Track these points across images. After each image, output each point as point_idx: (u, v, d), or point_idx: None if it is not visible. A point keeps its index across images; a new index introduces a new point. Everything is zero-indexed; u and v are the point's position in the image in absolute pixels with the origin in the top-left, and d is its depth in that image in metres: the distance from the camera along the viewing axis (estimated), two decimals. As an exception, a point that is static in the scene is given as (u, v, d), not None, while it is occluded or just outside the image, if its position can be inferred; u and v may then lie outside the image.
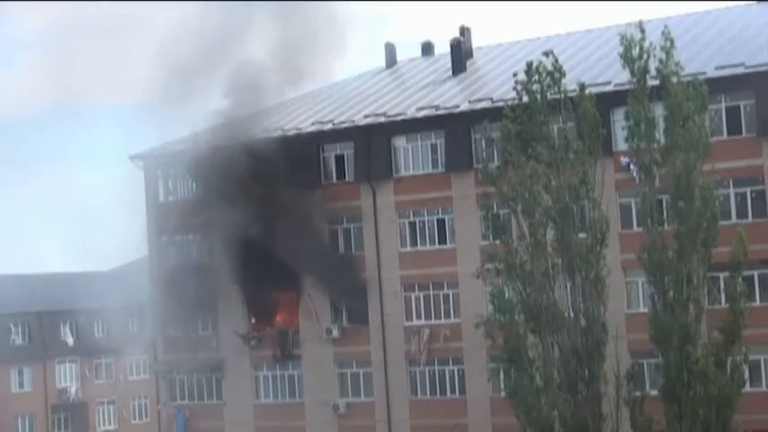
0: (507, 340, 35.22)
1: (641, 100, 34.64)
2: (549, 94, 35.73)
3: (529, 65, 35.84)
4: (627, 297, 42.93)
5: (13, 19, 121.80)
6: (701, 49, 45.06)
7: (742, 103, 41.83)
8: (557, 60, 35.75)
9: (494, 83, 48.89)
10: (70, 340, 76.76)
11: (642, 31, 34.73)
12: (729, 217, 40.69)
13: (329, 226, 48.29)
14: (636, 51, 34.84)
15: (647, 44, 34.81)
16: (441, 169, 46.75)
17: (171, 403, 52.25)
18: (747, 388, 36.18)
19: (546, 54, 35.95)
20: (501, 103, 42.50)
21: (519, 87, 36.02)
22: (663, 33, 34.78)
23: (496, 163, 39.00)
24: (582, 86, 35.87)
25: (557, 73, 35.59)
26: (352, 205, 48.09)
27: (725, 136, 41.66)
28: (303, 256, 46.57)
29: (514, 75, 36.41)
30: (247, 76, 47.55)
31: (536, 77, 35.68)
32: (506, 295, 35.66)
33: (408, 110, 48.53)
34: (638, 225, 38.55)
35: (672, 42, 34.85)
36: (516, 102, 36.39)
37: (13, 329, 75.01)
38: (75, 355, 77.00)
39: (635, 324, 40.33)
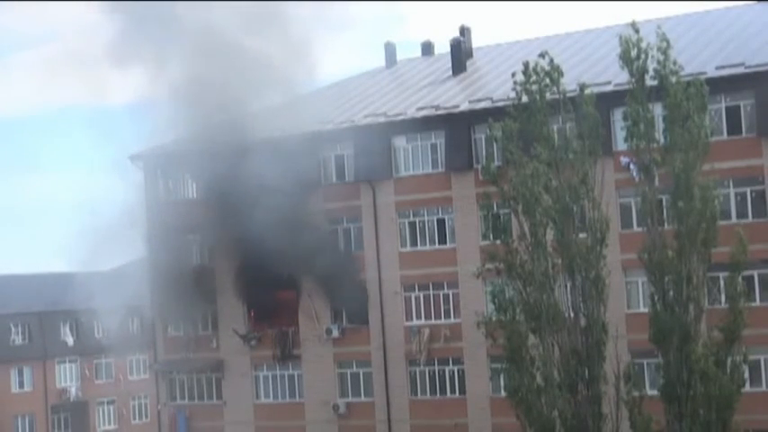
0: (508, 340, 35.21)
1: (640, 100, 34.62)
2: (548, 94, 35.73)
3: (526, 65, 35.86)
4: (627, 297, 42.95)
5: (14, 19, 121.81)
6: (700, 49, 45.06)
7: (742, 103, 41.84)
8: (552, 61, 35.76)
9: (494, 83, 48.90)
10: (70, 340, 76.77)
11: (637, 31, 34.72)
12: (729, 217, 40.71)
13: (329, 226, 48.30)
14: (634, 52, 34.83)
15: (645, 44, 34.79)
16: (441, 169, 46.75)
17: (171, 403, 52.27)
18: (747, 388, 36.15)
19: (542, 55, 35.95)
20: (501, 103, 42.67)
21: (518, 88, 36.04)
22: (657, 34, 34.75)
23: (497, 162, 38.97)
24: (582, 87, 35.86)
25: (554, 73, 35.58)
26: (352, 205, 48.11)
27: (725, 136, 41.68)
28: (303, 255, 46.57)
29: (513, 75, 36.44)
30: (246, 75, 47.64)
31: (534, 77, 35.68)
32: (507, 295, 35.64)
33: (408, 110, 48.53)
34: (638, 225, 38.59)
35: (668, 43, 34.82)
36: (517, 101, 36.38)
37: (13, 329, 75.02)
38: (75, 355, 77.01)
39: (635, 324, 40.34)
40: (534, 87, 35.67)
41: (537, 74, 35.63)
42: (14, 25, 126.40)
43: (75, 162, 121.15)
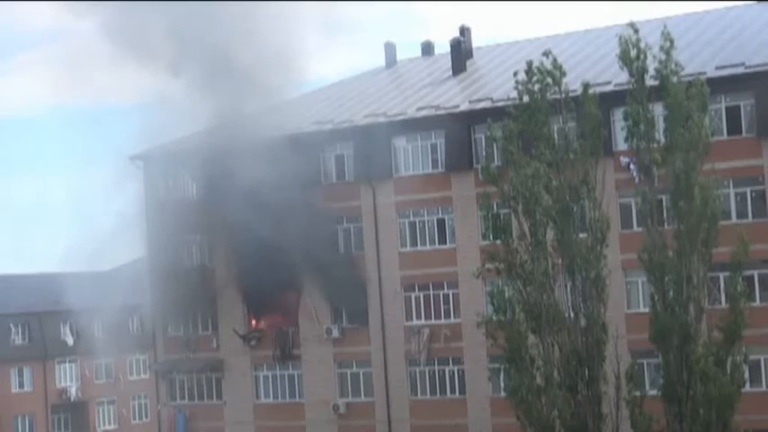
0: (508, 340, 35.18)
1: (640, 100, 34.60)
2: (549, 94, 35.70)
3: (529, 64, 35.82)
4: (627, 297, 42.96)
5: (14, 19, 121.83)
6: (700, 49, 45.06)
7: (742, 103, 41.85)
8: (556, 60, 35.72)
9: (494, 83, 48.89)
10: (70, 340, 76.71)
11: (636, 31, 34.70)
12: (729, 217, 40.70)
13: (329, 226, 48.27)
14: (634, 52, 34.80)
15: (644, 44, 34.77)
16: (441, 169, 46.75)
17: (171, 403, 52.28)
18: (747, 388, 36.14)
19: (545, 54, 35.90)
20: (501, 103, 42.64)
21: (520, 87, 35.99)
22: (662, 33, 34.74)
23: (497, 163, 38.96)
24: (586, 86, 35.81)
25: (557, 72, 35.54)
26: (352, 205, 48.10)
27: (725, 136, 41.68)
28: (303, 255, 46.56)
29: (515, 74, 36.40)
30: (246, 75, 47.66)
31: (536, 77, 35.64)
32: (507, 295, 35.61)
33: (408, 110, 48.53)
34: (638, 225, 38.53)
35: (671, 42, 34.80)
36: (517, 101, 36.36)
37: (13, 329, 74.99)
38: (75, 355, 76.96)
39: (635, 324, 40.34)
40: (536, 87, 35.64)
41: (540, 73, 35.60)
42: (14, 25, 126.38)
43: (75, 162, 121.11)
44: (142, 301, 54.44)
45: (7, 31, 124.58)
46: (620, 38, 34.91)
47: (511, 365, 35.39)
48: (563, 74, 35.70)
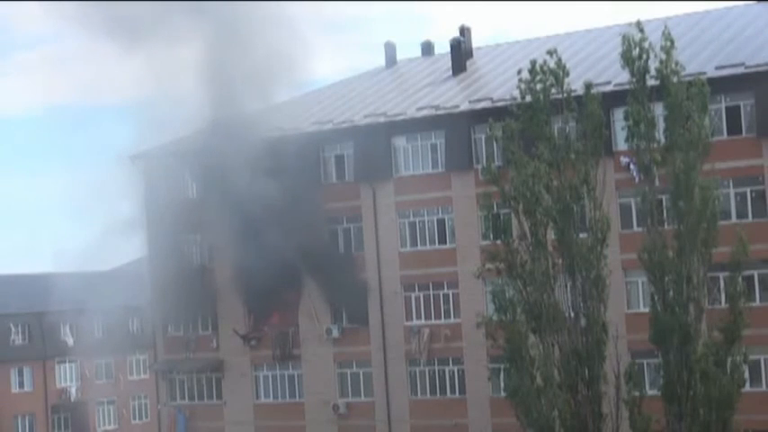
0: (508, 340, 35.19)
1: (641, 100, 34.61)
2: (551, 94, 35.68)
3: (533, 63, 35.79)
4: (627, 297, 42.95)
5: (13, 19, 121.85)
6: (700, 49, 45.06)
7: (742, 103, 41.84)
8: (560, 60, 35.70)
9: (494, 83, 48.89)
10: (70, 340, 76.70)
11: (642, 30, 34.71)
12: (729, 217, 40.70)
13: (329, 226, 48.28)
14: (636, 52, 34.81)
15: (646, 44, 34.78)
16: (441, 169, 46.74)
17: (171, 403, 52.27)
18: (747, 388, 36.15)
19: (550, 53, 35.88)
20: (501, 103, 42.65)
21: (522, 86, 35.95)
22: (663, 33, 34.76)
23: (497, 162, 38.95)
24: (588, 86, 35.82)
25: (560, 72, 35.53)
26: (352, 205, 48.09)
27: (725, 136, 41.67)
28: (303, 255, 46.56)
29: (518, 72, 36.36)
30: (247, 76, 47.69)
31: (540, 76, 35.62)
32: (507, 295, 35.62)
33: (408, 110, 48.52)
34: (638, 225, 38.58)
35: (672, 42, 34.82)
36: (519, 101, 36.36)
37: (13, 329, 74.97)
38: (74, 355, 76.93)
39: (635, 324, 40.34)
40: (539, 86, 35.62)
41: (543, 72, 35.57)
42: (13, 26, 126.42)
43: (75, 162, 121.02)
44: (142, 301, 54.38)
45: (5, 32, 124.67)
46: (624, 37, 34.91)
47: (511, 365, 35.42)
48: (566, 73, 35.70)
